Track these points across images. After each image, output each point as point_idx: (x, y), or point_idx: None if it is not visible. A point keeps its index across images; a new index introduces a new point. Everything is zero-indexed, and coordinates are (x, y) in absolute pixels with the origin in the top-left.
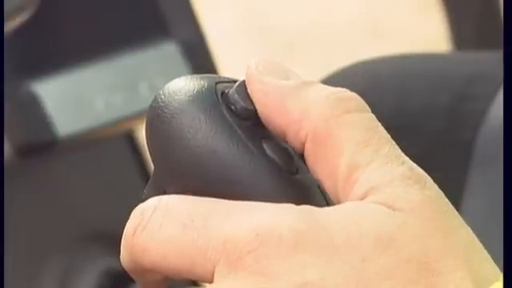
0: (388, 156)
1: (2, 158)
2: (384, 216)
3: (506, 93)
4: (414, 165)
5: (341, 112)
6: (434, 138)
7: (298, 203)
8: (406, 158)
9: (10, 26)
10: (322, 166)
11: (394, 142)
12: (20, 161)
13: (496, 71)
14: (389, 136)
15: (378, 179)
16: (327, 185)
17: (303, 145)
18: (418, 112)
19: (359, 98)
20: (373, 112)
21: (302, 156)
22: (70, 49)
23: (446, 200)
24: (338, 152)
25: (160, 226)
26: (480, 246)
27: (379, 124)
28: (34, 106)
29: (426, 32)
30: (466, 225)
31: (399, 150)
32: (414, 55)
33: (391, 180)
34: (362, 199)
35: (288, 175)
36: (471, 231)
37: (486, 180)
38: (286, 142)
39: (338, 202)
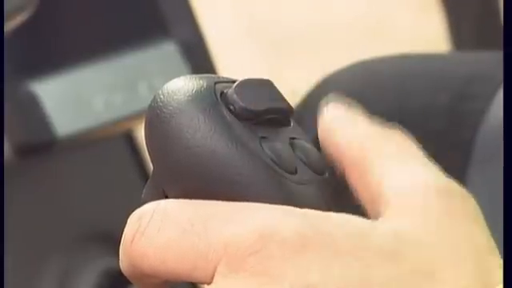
0: (410, 162)
1: (1, 158)
2: (392, 238)
3: (506, 93)
4: (441, 173)
5: (378, 139)
6: (434, 138)
7: (295, 203)
8: (429, 165)
9: (9, 25)
10: (359, 187)
11: (419, 150)
12: (19, 161)
13: (495, 71)
14: (420, 152)
15: (397, 186)
16: (364, 202)
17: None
18: (417, 112)
19: (402, 133)
20: (372, 112)
21: (307, 153)
22: (70, 49)
23: (468, 204)
24: (366, 171)
25: (158, 231)
26: (494, 251)
27: (410, 142)
28: (33, 105)
29: (425, 32)
30: (485, 230)
31: (422, 156)
32: (413, 55)
33: (410, 188)
34: (384, 210)
35: (286, 175)
36: (489, 237)
37: (486, 180)
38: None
39: (377, 216)
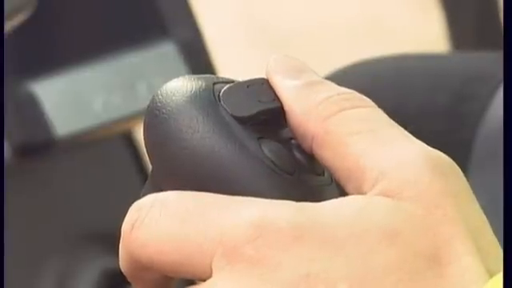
0: (393, 138)
1: (1, 158)
2: (389, 210)
3: (506, 93)
4: (425, 145)
5: (337, 110)
6: (433, 138)
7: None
8: (416, 140)
9: (9, 25)
10: (332, 165)
11: (401, 127)
12: (19, 161)
13: (494, 71)
14: (394, 123)
15: (385, 163)
16: (343, 181)
17: (311, 147)
18: (417, 112)
19: (361, 95)
20: None
21: (306, 154)
22: (69, 49)
23: (460, 179)
24: (339, 147)
25: (157, 221)
26: (490, 231)
27: (383, 114)
28: (32, 106)
29: (425, 32)
30: (479, 208)
31: (407, 133)
32: (412, 55)
33: (399, 162)
34: (373, 186)
35: (286, 175)
36: (483, 215)
37: (485, 180)
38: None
39: (359, 194)
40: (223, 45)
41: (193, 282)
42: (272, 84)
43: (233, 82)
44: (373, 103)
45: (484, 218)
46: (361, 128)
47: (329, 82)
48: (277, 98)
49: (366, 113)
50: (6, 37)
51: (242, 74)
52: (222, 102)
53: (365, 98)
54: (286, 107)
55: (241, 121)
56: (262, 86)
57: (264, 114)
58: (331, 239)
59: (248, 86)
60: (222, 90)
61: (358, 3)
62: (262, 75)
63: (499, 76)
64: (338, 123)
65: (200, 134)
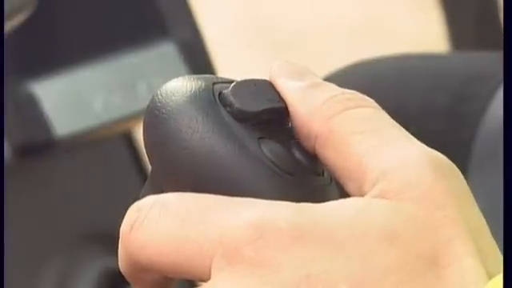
0: (395, 138)
1: (1, 158)
2: (389, 212)
3: (506, 93)
4: (425, 146)
5: (342, 109)
6: (433, 138)
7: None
8: (418, 141)
9: (9, 25)
10: (334, 164)
11: (402, 128)
12: (19, 161)
13: (494, 71)
14: (396, 123)
15: (387, 163)
16: (343, 181)
17: (314, 147)
18: (416, 112)
19: (364, 96)
20: None
21: (305, 154)
22: (69, 49)
23: (461, 181)
24: (342, 147)
25: (157, 222)
26: (488, 232)
27: (385, 115)
28: (32, 106)
29: (425, 32)
30: (478, 210)
31: (409, 134)
32: (413, 55)
33: (401, 163)
34: (373, 186)
35: (286, 176)
36: (482, 217)
37: (485, 180)
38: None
39: (359, 194)
40: (223, 45)
41: (193, 283)
42: (276, 86)
43: (232, 82)
44: (375, 104)
45: (483, 219)
46: (364, 127)
47: (332, 84)
48: (281, 99)
49: (370, 113)
50: (6, 37)
51: (241, 74)
52: (231, 96)
53: (367, 98)
54: (291, 108)
55: (243, 119)
56: (267, 86)
57: (269, 113)
58: (331, 240)
59: (255, 85)
60: (232, 85)
61: (358, 4)
62: (262, 76)
63: (499, 76)
64: (341, 122)
65: (200, 134)
